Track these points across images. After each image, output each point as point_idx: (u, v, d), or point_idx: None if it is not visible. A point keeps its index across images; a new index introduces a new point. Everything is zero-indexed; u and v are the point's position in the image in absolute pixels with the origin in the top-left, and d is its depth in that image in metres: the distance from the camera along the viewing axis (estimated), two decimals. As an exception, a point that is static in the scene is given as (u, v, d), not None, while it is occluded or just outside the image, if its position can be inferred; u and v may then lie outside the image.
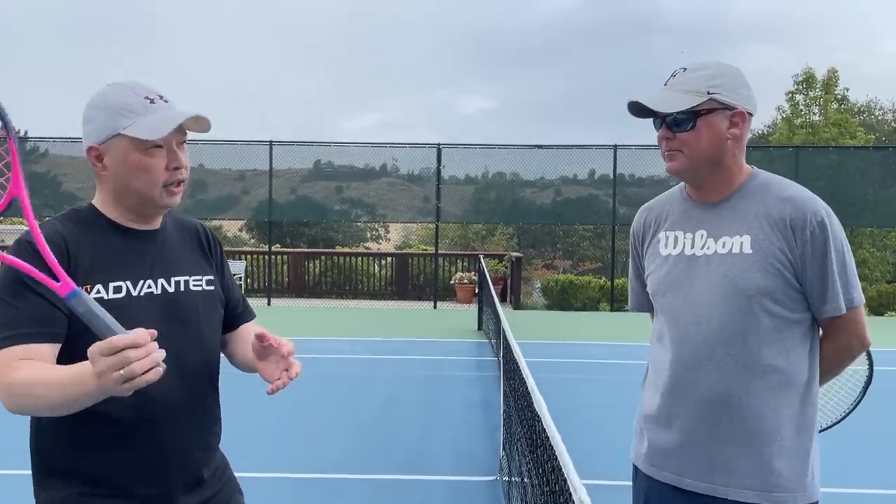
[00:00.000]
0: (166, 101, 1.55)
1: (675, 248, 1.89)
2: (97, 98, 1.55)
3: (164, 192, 1.55)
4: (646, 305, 2.06)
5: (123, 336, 1.23)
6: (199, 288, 1.66)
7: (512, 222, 21.37)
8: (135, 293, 1.54)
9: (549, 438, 1.76)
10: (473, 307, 12.90)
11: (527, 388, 2.43)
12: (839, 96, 21.66)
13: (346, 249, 23.16)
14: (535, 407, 2.09)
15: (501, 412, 4.47)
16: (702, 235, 1.84)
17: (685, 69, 1.81)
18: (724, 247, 1.80)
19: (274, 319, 12.35)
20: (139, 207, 1.58)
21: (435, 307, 14.54)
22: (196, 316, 1.62)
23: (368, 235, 34.52)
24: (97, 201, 1.61)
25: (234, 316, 1.78)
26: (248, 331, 1.78)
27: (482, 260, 12.23)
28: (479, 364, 8.22)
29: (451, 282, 15.52)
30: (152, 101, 1.52)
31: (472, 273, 15.22)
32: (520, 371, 2.79)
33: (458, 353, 9.14)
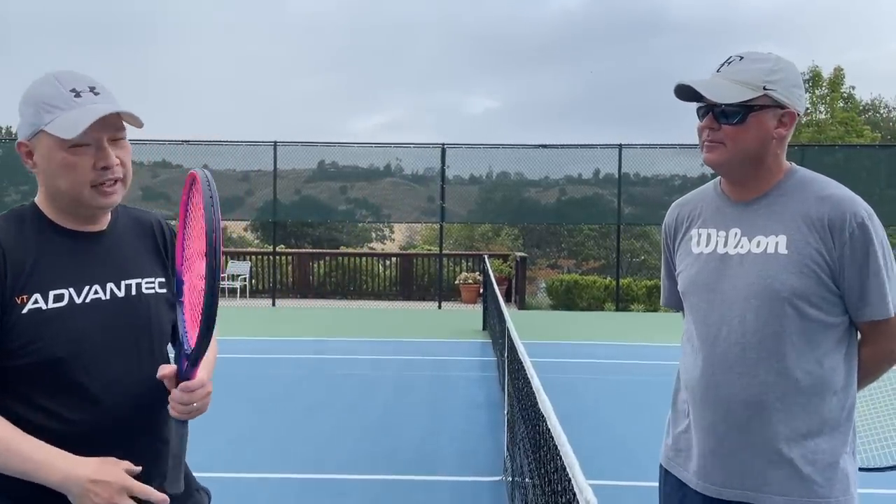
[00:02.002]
0: (97, 94, 1.43)
1: (707, 246, 1.82)
2: (27, 91, 1.45)
3: (94, 193, 1.44)
4: (677, 303, 1.99)
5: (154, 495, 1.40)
6: (152, 291, 1.56)
7: (516, 222, 21.36)
8: (78, 300, 1.44)
9: (554, 438, 1.75)
10: (478, 307, 12.89)
11: (531, 388, 2.42)
12: (845, 95, 21.61)
13: (351, 250, 23.18)
14: (540, 407, 2.09)
15: (505, 412, 4.46)
16: (735, 234, 1.77)
17: (741, 58, 1.72)
18: (758, 246, 1.73)
19: (278, 320, 12.36)
20: (71, 208, 1.47)
21: (439, 307, 14.54)
22: (147, 322, 1.53)
23: (373, 236, 34.55)
24: (39, 200, 1.50)
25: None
26: None
27: (487, 260, 12.23)
28: (483, 364, 8.20)
29: (456, 282, 15.52)
30: (78, 95, 1.41)
31: (477, 273, 15.22)
32: (524, 371, 2.79)
33: (463, 353, 9.14)
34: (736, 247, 1.77)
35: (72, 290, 1.45)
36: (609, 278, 15.91)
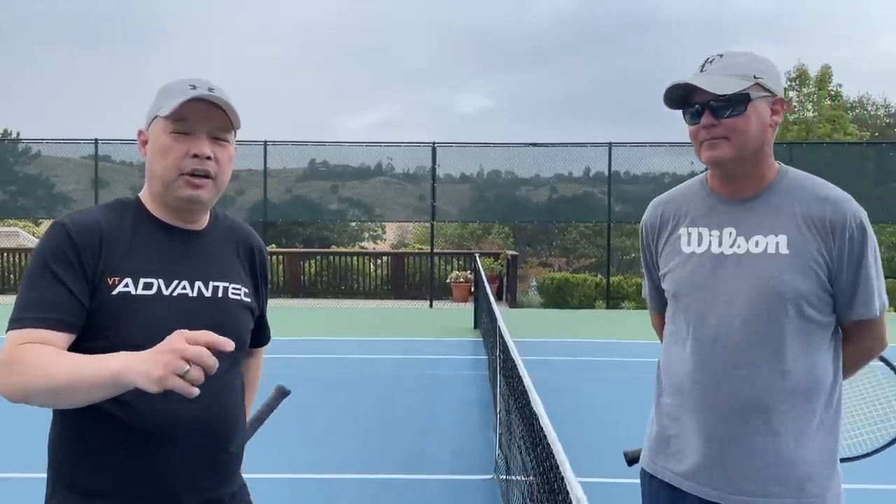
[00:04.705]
0: (211, 90, 1.49)
1: (699, 245, 1.79)
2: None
3: (183, 182, 1.48)
4: (662, 304, 1.95)
5: (210, 337, 1.20)
6: (237, 297, 1.57)
7: (508, 221, 21.38)
8: (166, 292, 1.47)
9: (546, 437, 1.76)
10: (470, 306, 12.90)
11: (524, 387, 2.43)
12: (832, 92, 21.73)
13: (342, 249, 23.15)
14: (532, 405, 2.10)
15: (497, 411, 4.47)
16: (730, 233, 1.74)
17: (721, 55, 1.72)
18: (757, 246, 1.71)
19: (270, 320, 12.31)
20: (163, 197, 1.51)
21: (431, 306, 14.54)
22: (228, 326, 1.53)
23: (366, 235, 34.50)
24: (143, 194, 1.57)
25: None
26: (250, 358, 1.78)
27: (478, 258, 12.24)
28: (475, 363, 8.21)
29: (448, 280, 15.52)
30: (193, 87, 1.48)
31: (468, 272, 15.23)
32: (517, 369, 2.79)
33: (455, 352, 9.14)
34: (732, 246, 1.74)
35: (161, 281, 1.47)
36: (600, 276, 15.96)
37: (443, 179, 15.35)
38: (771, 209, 1.73)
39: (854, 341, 1.78)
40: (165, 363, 1.18)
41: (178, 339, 1.20)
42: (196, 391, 1.19)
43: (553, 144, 15.15)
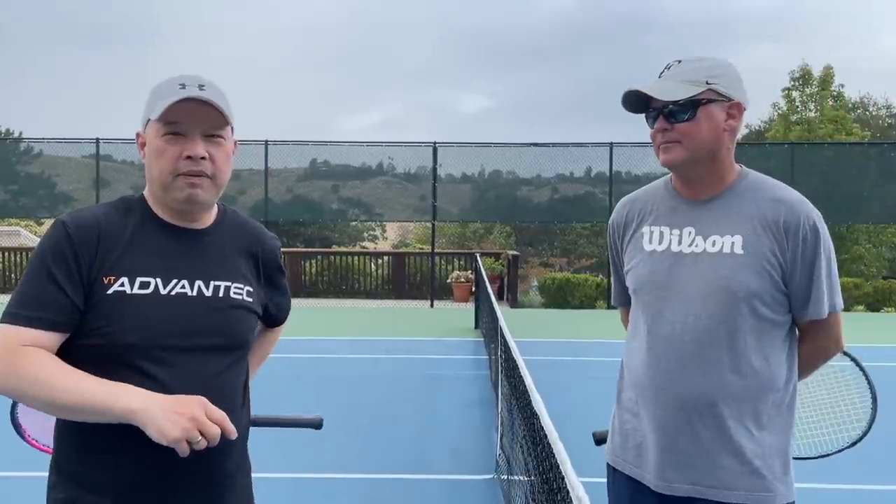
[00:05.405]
0: (202, 88, 1.47)
1: (660, 243, 1.84)
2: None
3: (180, 182, 1.47)
4: (628, 301, 2.00)
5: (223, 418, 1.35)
6: (240, 297, 1.55)
7: (509, 221, 21.38)
8: (163, 291, 1.46)
9: (546, 436, 1.76)
10: (470, 306, 12.89)
11: (525, 387, 2.43)
12: (835, 93, 21.71)
13: (343, 249, 23.15)
14: (534, 405, 2.10)
15: (498, 410, 4.47)
16: (689, 233, 1.79)
17: (680, 61, 1.77)
18: (713, 245, 1.76)
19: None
20: (162, 198, 1.52)
21: (432, 306, 14.54)
22: (229, 325, 1.53)
23: (366, 235, 34.50)
24: (145, 192, 1.57)
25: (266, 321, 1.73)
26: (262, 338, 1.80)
27: (479, 258, 12.24)
28: (476, 363, 8.21)
29: (448, 280, 15.52)
30: (183, 87, 1.46)
31: (469, 272, 15.22)
32: (518, 369, 2.79)
33: (456, 352, 9.14)
34: (690, 245, 1.79)
35: (159, 280, 1.47)
36: (601, 276, 15.95)
37: (444, 179, 15.36)
38: (729, 210, 1.78)
39: (809, 341, 1.83)
40: (184, 428, 1.30)
41: (199, 410, 1.32)
42: (188, 453, 1.32)
43: (554, 144, 15.15)
